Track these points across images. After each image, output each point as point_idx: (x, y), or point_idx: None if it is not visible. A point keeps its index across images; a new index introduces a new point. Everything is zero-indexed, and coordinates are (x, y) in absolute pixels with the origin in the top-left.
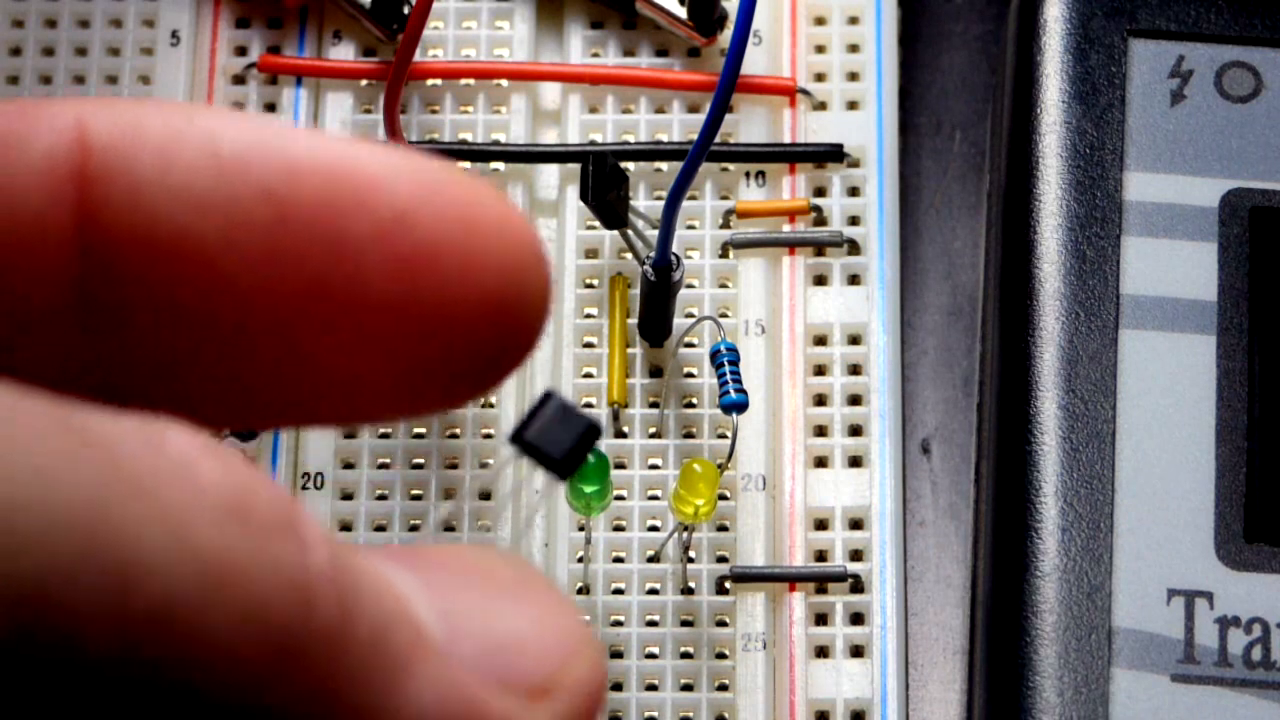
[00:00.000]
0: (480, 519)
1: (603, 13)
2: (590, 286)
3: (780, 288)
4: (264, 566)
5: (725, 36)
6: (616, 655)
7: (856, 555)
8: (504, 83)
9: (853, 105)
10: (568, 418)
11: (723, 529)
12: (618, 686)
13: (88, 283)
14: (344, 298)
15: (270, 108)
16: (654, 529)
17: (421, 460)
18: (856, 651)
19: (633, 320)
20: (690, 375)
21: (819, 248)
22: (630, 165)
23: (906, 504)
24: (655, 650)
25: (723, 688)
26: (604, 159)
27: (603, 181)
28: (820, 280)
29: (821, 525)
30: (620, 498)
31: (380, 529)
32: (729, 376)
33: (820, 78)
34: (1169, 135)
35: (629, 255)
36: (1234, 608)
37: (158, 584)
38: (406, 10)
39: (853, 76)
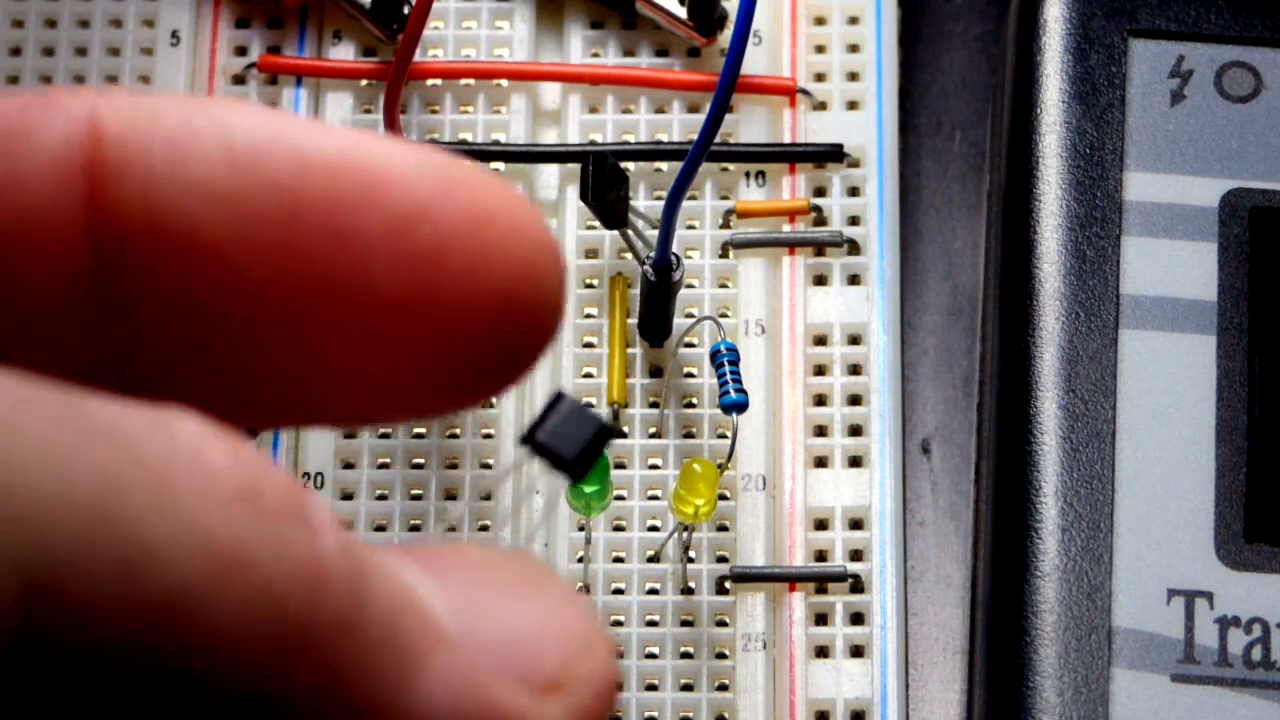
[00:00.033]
0: (480, 519)
1: (603, 13)
2: (590, 286)
3: (780, 288)
4: (274, 554)
5: (725, 36)
6: (617, 655)
7: (856, 555)
8: (504, 83)
9: (853, 105)
10: (579, 418)
11: (723, 529)
12: (617, 686)
13: (98, 275)
14: (353, 293)
15: (270, 107)
16: (654, 529)
17: (421, 460)
18: (856, 651)
19: (633, 320)
20: (690, 375)
21: (819, 248)
22: (630, 165)
23: (906, 504)
24: (655, 650)
25: (723, 688)
26: (604, 159)
27: (603, 181)
28: (820, 280)
29: (821, 525)
30: (620, 498)
31: (380, 529)
32: (729, 376)
33: (820, 78)
34: (1169, 135)
35: (629, 255)
36: (1234, 608)
37: (166, 570)
38: (406, 10)
39: (853, 76)
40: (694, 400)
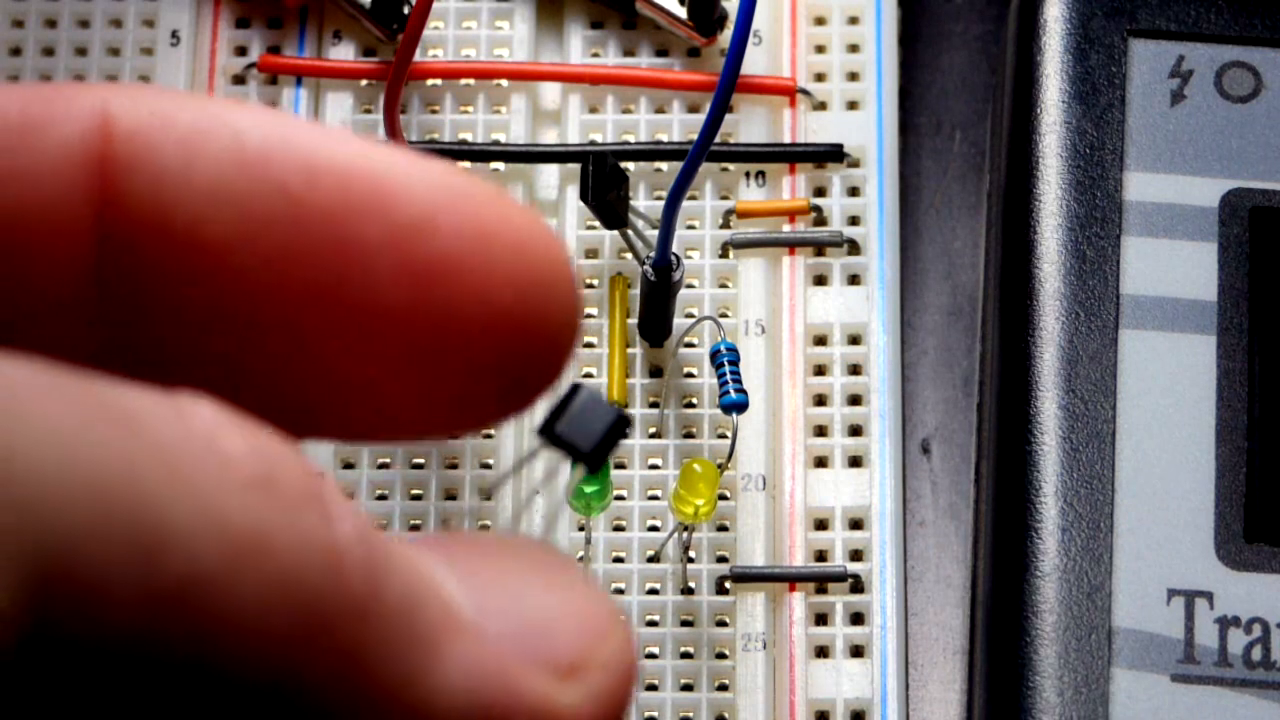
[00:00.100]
0: (480, 519)
1: (603, 13)
2: (590, 286)
3: (780, 288)
4: (291, 538)
5: (725, 36)
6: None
7: (856, 555)
8: (504, 83)
9: (853, 105)
10: (596, 409)
11: (723, 529)
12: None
13: (104, 270)
14: (356, 302)
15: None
16: (654, 529)
17: (421, 460)
18: (856, 651)
19: (633, 320)
20: (690, 375)
21: (819, 248)
22: (630, 165)
23: (906, 504)
24: (655, 650)
25: (723, 688)
26: (604, 159)
27: (603, 181)
28: (820, 280)
29: (821, 525)
30: (620, 498)
31: (380, 529)
32: (729, 376)
33: (820, 78)
34: (1169, 135)
35: (629, 255)
36: (1234, 608)
37: (184, 555)
38: (406, 10)
39: (853, 76)
40: (694, 400)
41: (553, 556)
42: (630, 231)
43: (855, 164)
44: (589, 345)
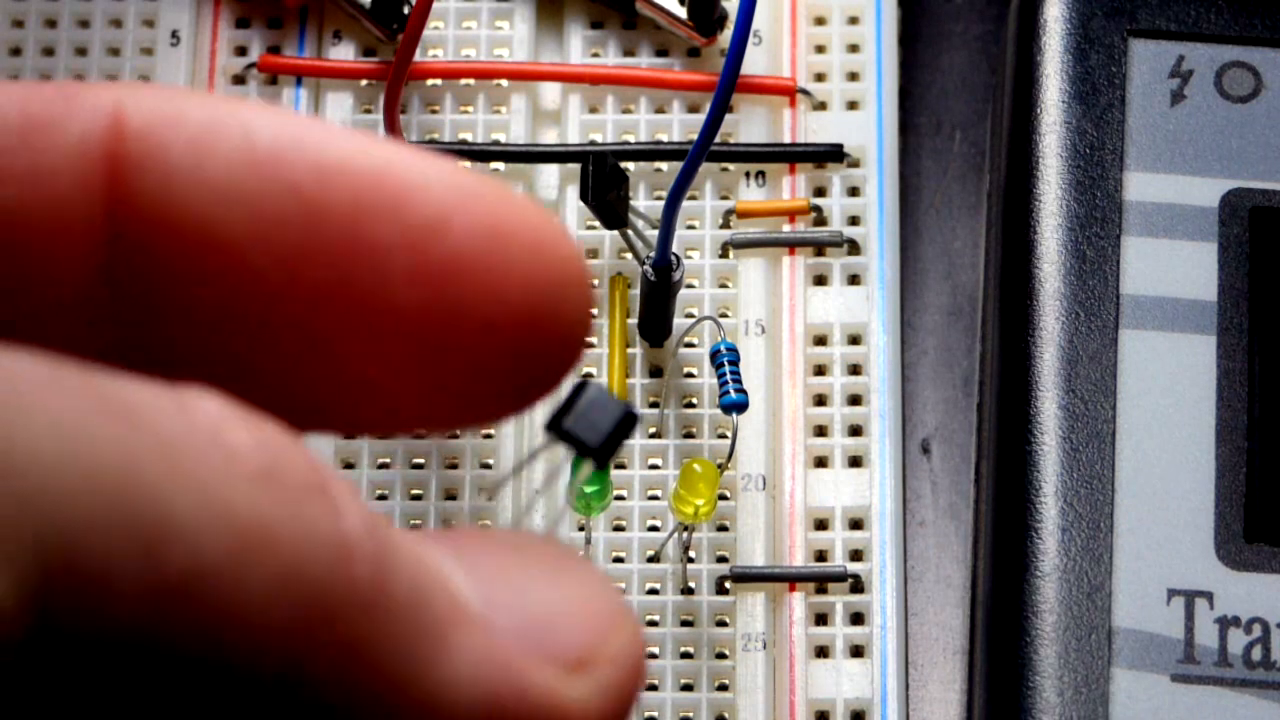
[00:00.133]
0: (480, 519)
1: (603, 13)
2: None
3: (780, 288)
4: (297, 530)
5: (725, 36)
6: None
7: (856, 555)
8: (504, 83)
9: (853, 105)
10: (604, 405)
11: (723, 529)
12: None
13: (114, 268)
14: (369, 302)
15: None
16: (654, 529)
17: (421, 460)
18: (856, 651)
19: (633, 320)
20: (690, 375)
21: (819, 248)
22: (630, 165)
23: (906, 504)
24: (655, 650)
25: (723, 688)
26: (604, 159)
27: (603, 181)
28: (820, 280)
29: (821, 525)
30: (620, 498)
31: None
32: (729, 376)
33: (820, 78)
34: (1169, 135)
35: (629, 255)
36: (1234, 608)
37: (189, 548)
38: (406, 10)
39: (853, 76)
40: (694, 400)
41: (560, 551)
42: (630, 231)
43: (855, 164)
44: (589, 345)
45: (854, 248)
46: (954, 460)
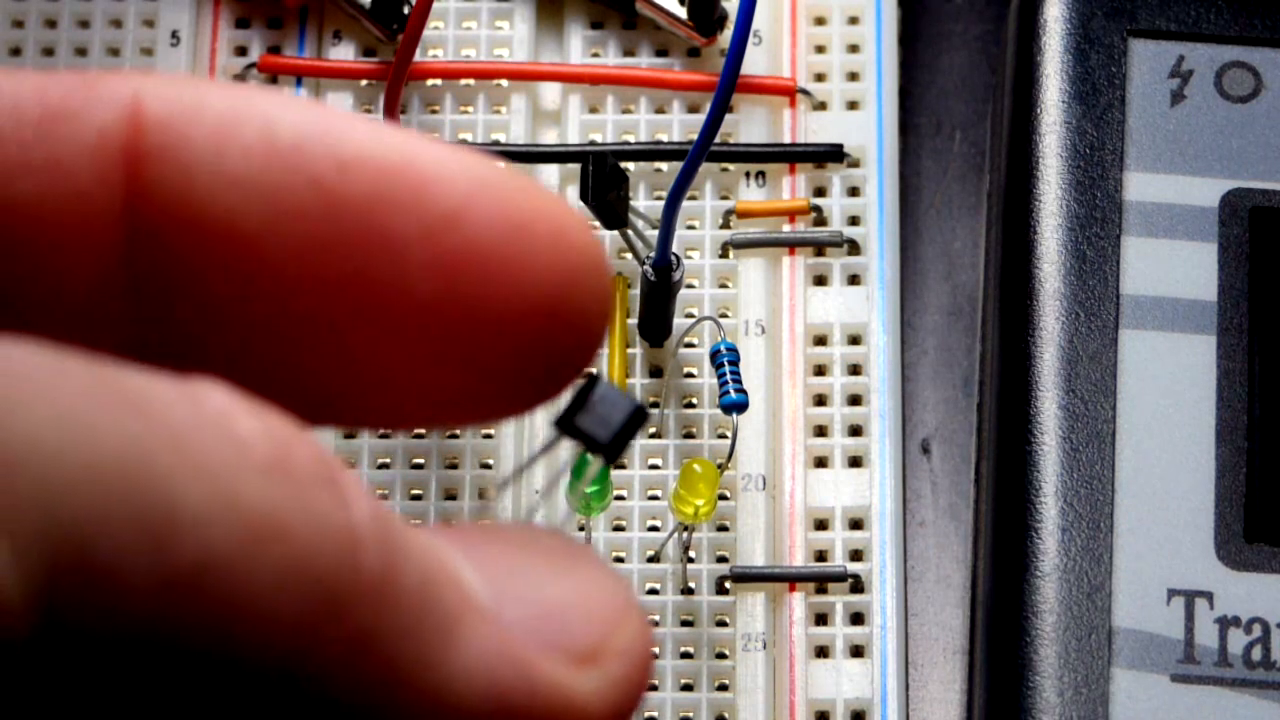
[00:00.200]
0: (480, 519)
1: (603, 13)
2: None
3: (780, 288)
4: (306, 521)
5: (725, 36)
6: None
7: (856, 555)
8: (504, 83)
9: (853, 105)
10: (613, 400)
11: (723, 529)
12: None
13: (133, 259)
14: (388, 294)
15: None
16: (654, 529)
17: (421, 460)
18: (856, 651)
19: (633, 320)
20: (690, 375)
21: (819, 248)
22: (630, 165)
23: (906, 504)
24: (655, 650)
25: (723, 688)
26: (604, 159)
27: (603, 181)
28: (820, 280)
29: (821, 525)
30: (620, 498)
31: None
32: (729, 376)
33: (820, 78)
34: (1169, 135)
35: (629, 255)
36: (1234, 608)
37: (198, 538)
38: (406, 10)
39: (853, 76)
40: (694, 400)
41: (568, 544)
42: (630, 231)
43: (855, 164)
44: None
45: (854, 248)
46: (954, 460)
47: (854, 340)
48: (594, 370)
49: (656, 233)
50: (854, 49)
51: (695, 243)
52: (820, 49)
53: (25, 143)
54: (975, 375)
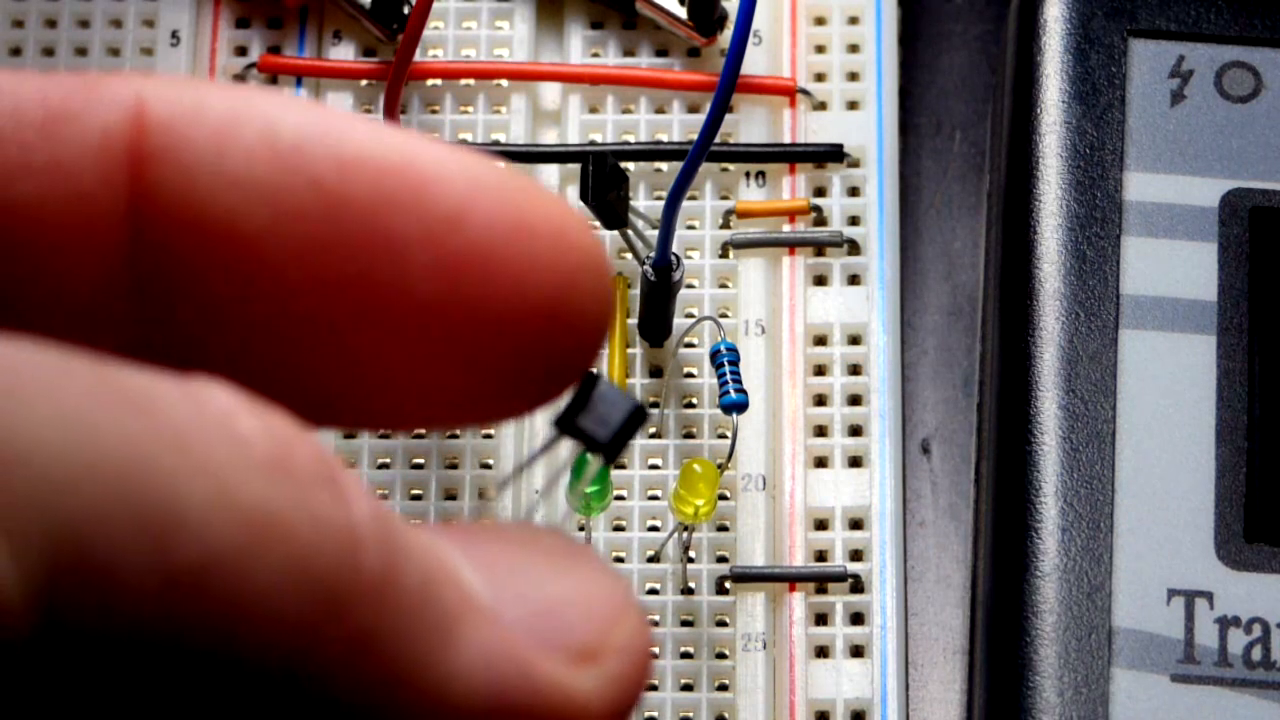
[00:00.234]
0: (480, 518)
1: (603, 13)
2: None
3: (780, 288)
4: (307, 520)
5: (725, 36)
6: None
7: (856, 555)
8: (504, 83)
9: (853, 105)
10: (613, 400)
11: (723, 529)
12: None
13: (135, 260)
14: (390, 295)
15: None
16: (654, 529)
17: (421, 460)
18: (856, 651)
19: (633, 320)
20: (690, 375)
21: (819, 248)
22: (630, 165)
23: (906, 504)
24: (655, 650)
25: (723, 688)
26: (604, 159)
27: (603, 181)
28: (820, 280)
29: (821, 525)
30: (620, 498)
31: None
32: (729, 376)
33: (820, 78)
34: (1169, 135)
35: (629, 255)
36: (1234, 608)
37: (199, 537)
38: (406, 10)
39: (853, 76)
40: (694, 400)
41: (567, 542)
42: (630, 231)
43: (855, 164)
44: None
45: (854, 248)
46: (954, 460)
47: (854, 340)
48: (594, 370)
49: (656, 233)
50: (854, 49)
51: (695, 243)
52: (820, 49)
53: (27, 144)
54: (975, 375)
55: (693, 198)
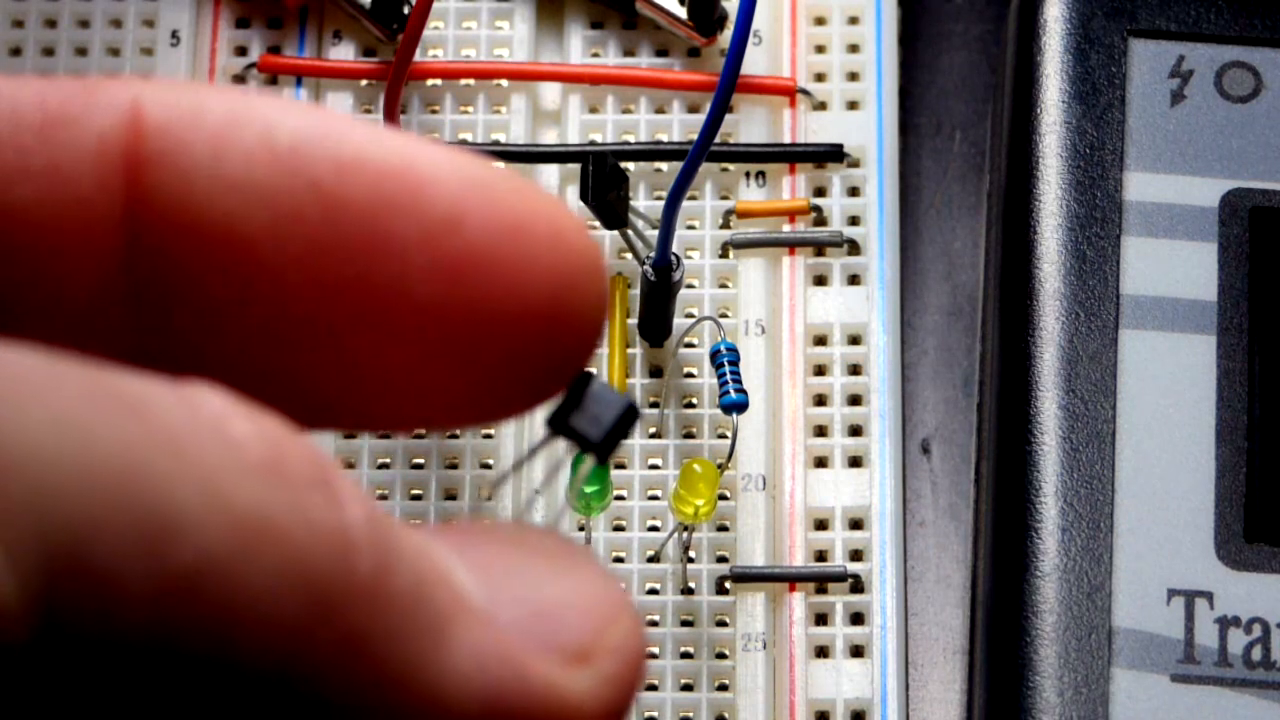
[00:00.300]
0: (477, 518)
1: (603, 13)
2: None
3: (780, 288)
4: (300, 522)
5: (725, 36)
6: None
7: (856, 555)
8: (504, 83)
9: (853, 105)
10: (605, 399)
11: (723, 529)
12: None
13: (133, 264)
14: (388, 297)
15: None
16: (654, 529)
17: (421, 460)
18: (856, 651)
19: (633, 320)
20: (690, 375)
21: (819, 248)
22: (630, 165)
23: (906, 504)
24: (655, 650)
25: (723, 688)
26: (604, 159)
27: (603, 181)
28: (820, 280)
29: (821, 525)
30: (620, 498)
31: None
32: (729, 376)
33: (820, 78)
34: (1169, 135)
35: (629, 255)
36: (1234, 608)
37: (193, 541)
38: (406, 10)
39: (853, 76)
40: (694, 400)
41: (561, 543)
42: (630, 231)
43: (855, 164)
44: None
45: (854, 248)
46: (954, 460)
47: (854, 340)
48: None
49: (656, 233)
50: (854, 49)
51: (695, 243)
52: (820, 49)
53: (24, 148)
54: (975, 375)
55: (693, 198)
